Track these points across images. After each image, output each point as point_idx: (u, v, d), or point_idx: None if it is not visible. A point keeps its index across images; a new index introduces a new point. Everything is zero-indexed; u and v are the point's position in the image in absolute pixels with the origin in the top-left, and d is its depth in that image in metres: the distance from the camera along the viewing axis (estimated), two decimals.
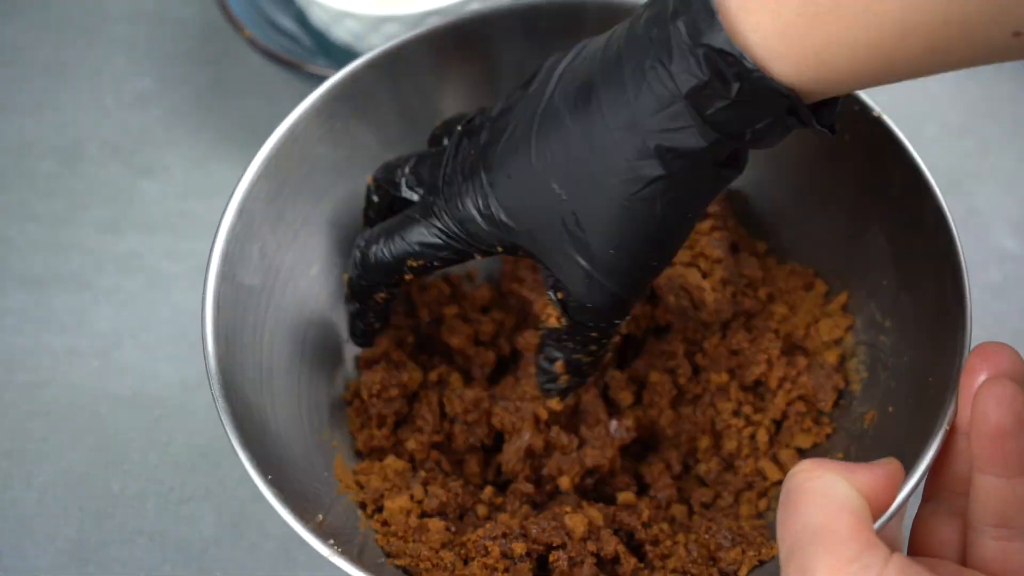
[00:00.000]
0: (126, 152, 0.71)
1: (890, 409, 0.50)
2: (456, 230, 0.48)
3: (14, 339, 0.65)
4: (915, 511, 0.45)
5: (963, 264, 0.47)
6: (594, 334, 0.49)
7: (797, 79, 0.39)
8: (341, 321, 0.57)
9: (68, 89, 0.74)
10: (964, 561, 0.42)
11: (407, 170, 0.51)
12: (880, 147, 0.51)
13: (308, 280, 0.55)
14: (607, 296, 0.46)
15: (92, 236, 0.69)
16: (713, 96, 0.40)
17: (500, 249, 0.48)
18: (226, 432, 0.46)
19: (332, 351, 0.56)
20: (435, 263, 0.50)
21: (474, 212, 0.47)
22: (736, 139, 0.41)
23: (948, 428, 0.43)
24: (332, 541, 0.44)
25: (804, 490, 0.39)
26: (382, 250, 0.50)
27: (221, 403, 0.46)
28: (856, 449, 0.51)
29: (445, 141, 0.53)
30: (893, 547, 0.48)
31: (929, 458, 0.43)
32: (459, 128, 0.50)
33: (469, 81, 0.57)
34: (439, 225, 0.48)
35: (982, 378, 0.41)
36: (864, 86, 0.39)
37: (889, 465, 0.41)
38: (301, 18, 0.72)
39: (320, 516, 0.47)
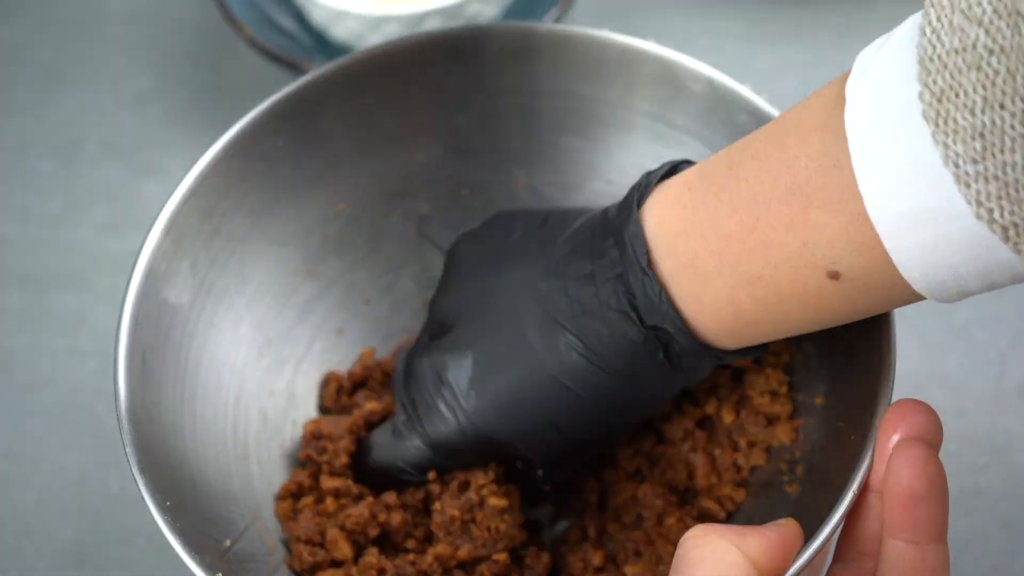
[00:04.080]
0: (125, 152, 0.71)
1: (817, 467, 0.49)
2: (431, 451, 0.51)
3: (13, 339, 0.65)
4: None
5: (891, 318, 0.45)
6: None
7: (753, 344, 0.45)
8: (278, 340, 0.55)
9: (67, 89, 0.74)
10: None
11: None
12: None
13: (245, 297, 0.54)
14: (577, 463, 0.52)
15: (91, 236, 0.69)
16: (695, 367, 0.46)
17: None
18: (125, 453, 0.45)
19: (268, 369, 0.55)
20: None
21: (441, 439, 0.50)
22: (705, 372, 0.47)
23: (857, 491, 0.42)
24: (220, 575, 0.43)
25: (691, 559, 0.39)
26: (375, 459, 0.52)
27: (126, 425, 0.45)
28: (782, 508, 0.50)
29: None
30: None
31: (835, 521, 0.41)
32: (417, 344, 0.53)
33: (416, 105, 0.56)
34: (424, 439, 0.51)
35: (896, 437, 0.41)
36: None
37: (785, 527, 0.41)
38: (300, 18, 0.72)
39: (228, 541, 0.47)
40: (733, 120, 0.53)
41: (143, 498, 0.44)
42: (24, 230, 0.69)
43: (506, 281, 0.49)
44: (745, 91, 0.53)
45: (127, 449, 0.45)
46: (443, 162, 0.58)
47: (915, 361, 0.63)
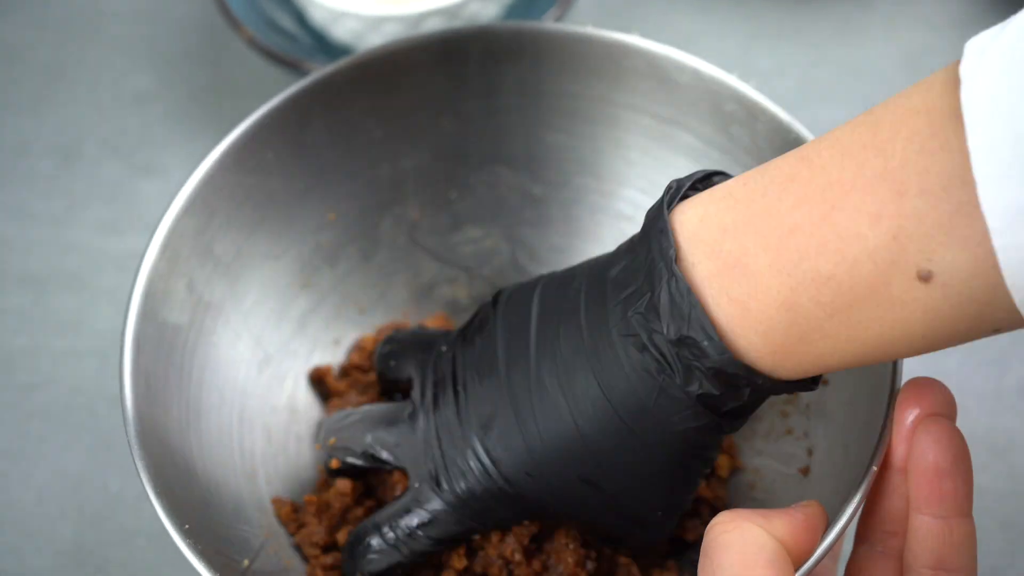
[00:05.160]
0: (125, 152, 0.71)
1: (827, 450, 0.49)
2: (464, 500, 0.47)
3: (13, 339, 0.65)
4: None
5: None
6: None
7: (799, 375, 0.40)
8: (277, 355, 0.55)
9: (67, 88, 0.74)
10: None
11: (370, 438, 0.50)
12: None
13: (241, 313, 0.54)
14: (650, 535, 0.47)
15: (91, 236, 0.68)
16: (726, 400, 0.41)
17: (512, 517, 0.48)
18: (141, 479, 0.44)
19: (269, 384, 0.55)
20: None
21: (476, 483, 0.47)
22: (749, 412, 0.43)
23: (876, 468, 0.42)
24: None
25: (720, 543, 0.39)
26: (390, 547, 0.49)
27: (137, 450, 0.45)
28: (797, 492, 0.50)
29: (391, 365, 0.53)
30: None
31: (856, 500, 0.41)
32: (429, 390, 0.49)
33: (402, 110, 0.56)
34: (448, 500, 0.48)
35: (914, 414, 0.41)
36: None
37: (808, 508, 0.41)
38: (300, 18, 0.71)
39: (246, 562, 0.47)
40: (721, 109, 0.53)
41: (162, 523, 0.44)
42: (23, 230, 0.69)
43: (534, 329, 0.47)
44: (731, 80, 0.52)
45: (142, 475, 0.45)
46: (431, 166, 0.58)
47: (915, 361, 0.62)
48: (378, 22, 0.67)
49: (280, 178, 0.54)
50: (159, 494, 0.44)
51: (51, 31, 0.76)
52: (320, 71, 0.54)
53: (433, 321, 0.59)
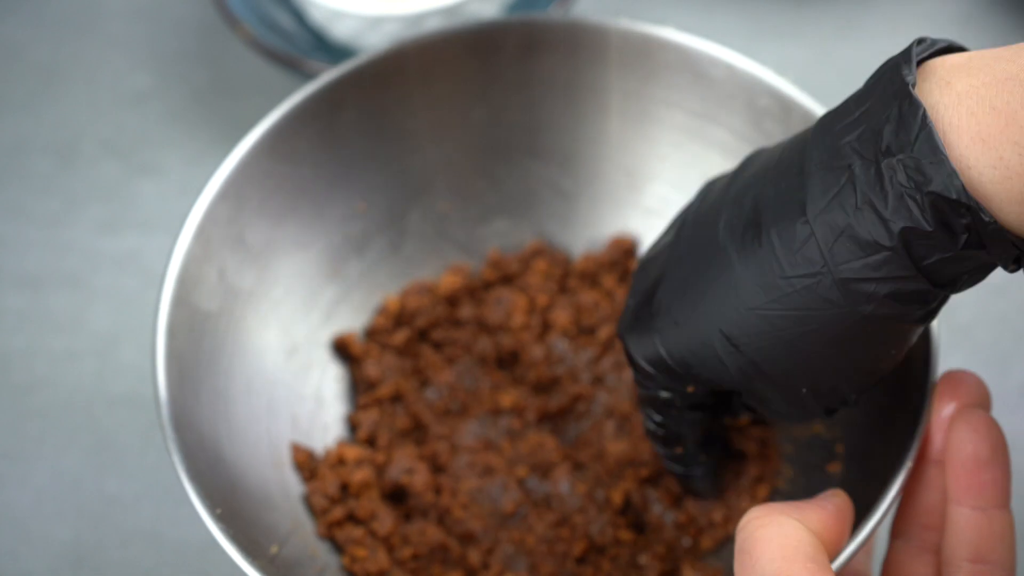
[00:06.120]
0: (123, 151, 0.71)
1: (860, 445, 0.49)
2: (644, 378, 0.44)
3: (10, 340, 0.65)
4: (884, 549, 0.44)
5: None
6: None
7: None
8: (305, 344, 0.56)
9: (65, 87, 0.73)
10: None
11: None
12: None
13: (271, 302, 0.54)
14: (806, 415, 0.43)
15: (89, 236, 0.68)
16: (934, 248, 0.35)
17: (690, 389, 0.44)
18: (174, 464, 0.45)
19: (296, 373, 0.55)
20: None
21: (642, 361, 0.44)
22: (948, 287, 0.37)
23: (911, 465, 0.41)
24: None
25: (757, 538, 0.38)
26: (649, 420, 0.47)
27: (170, 434, 0.45)
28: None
29: None
30: None
31: (893, 492, 0.41)
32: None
33: (434, 102, 0.56)
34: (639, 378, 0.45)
35: (951, 407, 0.41)
36: None
37: (836, 498, 0.41)
38: (299, 17, 0.71)
39: (274, 548, 0.47)
40: (754, 103, 0.53)
41: (194, 507, 0.44)
42: (21, 230, 0.69)
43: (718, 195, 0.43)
44: (766, 74, 0.53)
45: (174, 457, 0.45)
46: (461, 158, 0.58)
47: None
48: (377, 22, 0.67)
49: (311, 167, 0.55)
50: (192, 479, 0.44)
51: (49, 30, 0.76)
52: (354, 61, 0.54)
53: None
